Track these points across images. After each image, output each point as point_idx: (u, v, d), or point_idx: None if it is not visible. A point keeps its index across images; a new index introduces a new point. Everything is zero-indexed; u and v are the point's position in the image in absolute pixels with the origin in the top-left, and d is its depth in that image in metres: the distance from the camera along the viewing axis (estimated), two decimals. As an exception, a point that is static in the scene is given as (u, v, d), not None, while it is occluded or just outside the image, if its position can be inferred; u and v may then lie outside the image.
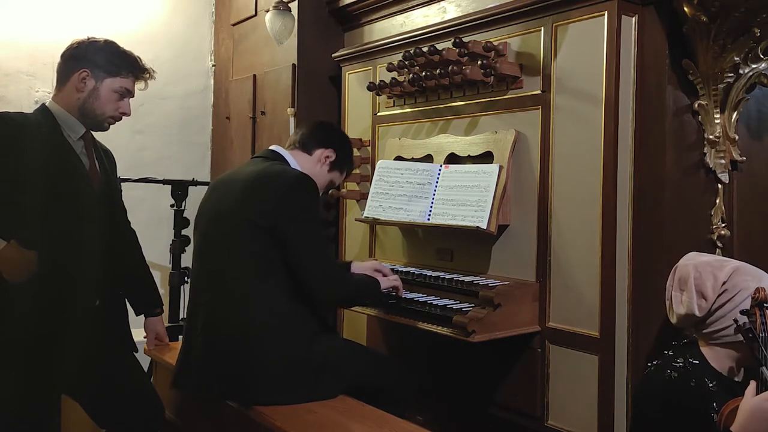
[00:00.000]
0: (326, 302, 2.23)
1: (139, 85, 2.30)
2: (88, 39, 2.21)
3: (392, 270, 2.76)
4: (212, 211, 2.30)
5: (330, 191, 3.16)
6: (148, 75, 2.30)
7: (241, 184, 2.22)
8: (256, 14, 3.83)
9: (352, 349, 2.37)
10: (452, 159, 2.72)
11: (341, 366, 2.23)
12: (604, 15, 2.24)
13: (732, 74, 2.27)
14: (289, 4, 3.36)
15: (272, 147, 2.42)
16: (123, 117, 2.27)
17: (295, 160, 2.38)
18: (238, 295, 2.15)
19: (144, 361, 2.60)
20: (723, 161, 2.35)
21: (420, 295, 2.56)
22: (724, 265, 1.91)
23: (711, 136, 2.34)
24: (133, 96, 2.28)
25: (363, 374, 2.29)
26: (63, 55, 2.20)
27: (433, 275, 2.63)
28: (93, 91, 2.17)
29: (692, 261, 1.97)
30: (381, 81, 2.93)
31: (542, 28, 2.42)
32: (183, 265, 3.39)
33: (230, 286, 2.17)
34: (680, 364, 1.84)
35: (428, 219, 2.67)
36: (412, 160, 2.88)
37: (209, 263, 2.27)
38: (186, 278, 3.38)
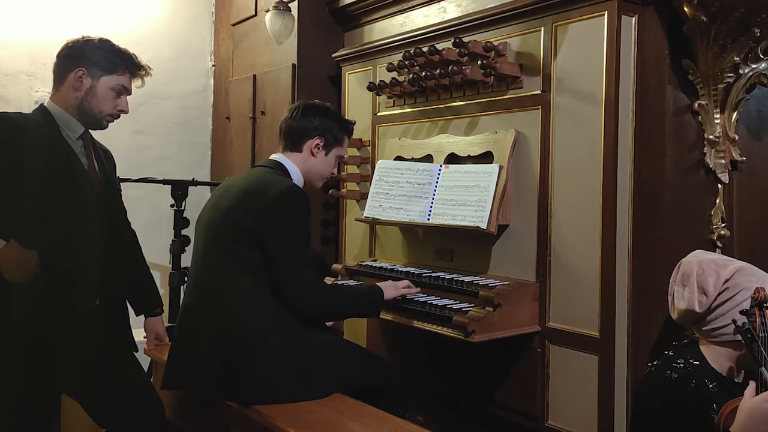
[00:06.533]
0: (303, 317, 2.20)
1: (136, 83, 2.30)
2: (83, 38, 2.21)
3: (392, 270, 2.77)
4: (210, 215, 2.33)
5: (330, 191, 3.17)
6: (144, 72, 2.30)
7: (236, 192, 2.26)
8: (256, 14, 3.83)
9: (346, 348, 2.38)
10: (452, 159, 2.72)
11: (336, 363, 2.24)
12: (604, 15, 2.24)
13: (732, 74, 2.27)
14: (289, 4, 3.36)
15: (273, 156, 2.44)
16: (121, 115, 2.27)
17: (292, 162, 2.39)
18: (232, 295, 2.17)
19: (144, 361, 2.59)
20: (723, 161, 2.35)
21: (420, 295, 2.56)
22: (728, 264, 1.92)
23: (711, 136, 2.34)
24: (131, 93, 2.28)
25: (358, 373, 2.29)
26: (59, 55, 2.20)
27: (433, 275, 2.63)
28: (90, 89, 2.17)
29: (697, 258, 1.98)
30: (381, 81, 2.93)
31: (542, 28, 2.42)
32: (183, 265, 3.38)
33: (225, 286, 2.19)
34: (680, 364, 1.84)
35: (428, 219, 2.67)
36: (412, 160, 2.88)
37: (205, 264, 2.29)
38: (186, 278, 3.38)
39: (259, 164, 2.49)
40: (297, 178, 2.39)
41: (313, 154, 2.40)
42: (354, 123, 2.57)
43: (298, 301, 2.17)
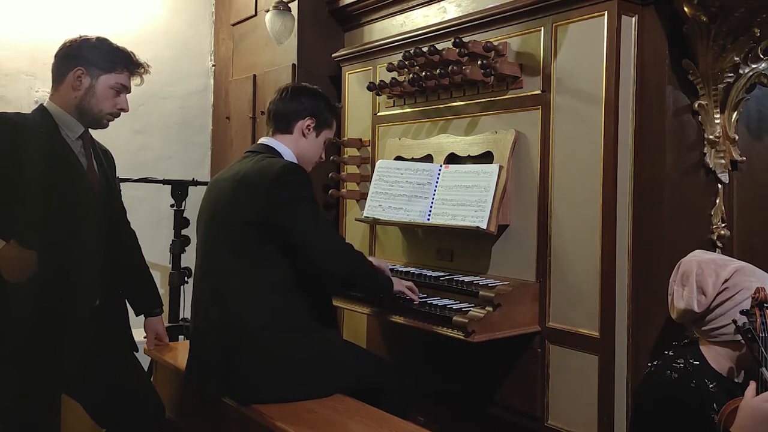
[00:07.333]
0: (336, 274, 2.20)
1: (135, 81, 2.30)
2: (81, 37, 2.21)
3: (392, 270, 2.77)
4: (208, 211, 2.32)
5: (330, 191, 3.17)
6: (143, 70, 2.30)
7: (231, 183, 2.24)
8: (256, 14, 3.83)
9: (347, 348, 2.37)
10: (452, 159, 2.72)
11: (335, 363, 2.24)
12: (604, 15, 2.24)
13: (732, 74, 2.27)
14: (289, 4, 3.36)
15: (262, 140, 2.41)
16: (121, 114, 2.27)
17: (283, 144, 2.36)
18: (232, 293, 2.17)
19: (144, 361, 2.59)
20: (723, 161, 2.35)
21: (420, 295, 2.56)
22: (727, 264, 1.92)
23: (711, 136, 2.34)
24: (130, 91, 2.28)
25: (358, 373, 2.28)
26: (57, 55, 2.20)
27: (433, 275, 2.63)
28: (89, 88, 2.17)
29: (697, 257, 1.98)
30: (381, 81, 2.93)
31: (542, 28, 2.42)
32: (183, 265, 3.39)
33: (225, 284, 2.19)
34: (681, 364, 1.84)
35: (428, 219, 2.67)
36: (412, 160, 2.88)
37: (207, 263, 2.29)
38: (186, 278, 3.38)
39: (248, 150, 2.42)
40: (290, 159, 2.35)
41: (304, 135, 2.37)
42: (341, 106, 2.55)
43: (333, 263, 2.17)
